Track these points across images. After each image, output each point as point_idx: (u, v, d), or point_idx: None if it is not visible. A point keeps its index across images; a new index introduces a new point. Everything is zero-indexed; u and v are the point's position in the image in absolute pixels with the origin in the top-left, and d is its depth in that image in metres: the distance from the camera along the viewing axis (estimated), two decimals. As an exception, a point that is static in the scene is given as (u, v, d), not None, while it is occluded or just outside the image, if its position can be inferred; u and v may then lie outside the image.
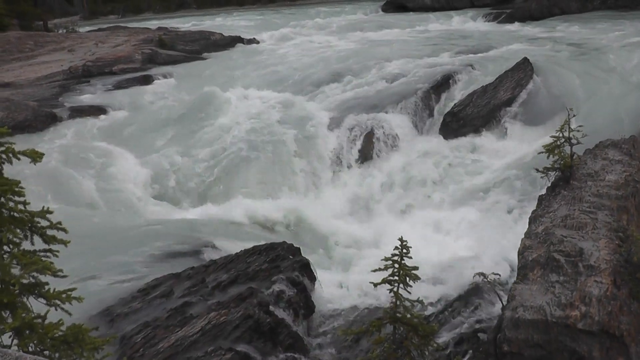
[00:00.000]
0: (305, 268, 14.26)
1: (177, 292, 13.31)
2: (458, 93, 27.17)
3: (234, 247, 16.13)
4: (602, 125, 21.95)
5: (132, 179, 22.77)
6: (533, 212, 12.49)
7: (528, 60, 28.15)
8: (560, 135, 12.88)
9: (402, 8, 63.61)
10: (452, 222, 18.08)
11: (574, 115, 13.08)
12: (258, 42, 47.40)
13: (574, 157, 13.29)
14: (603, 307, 9.48)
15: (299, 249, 14.93)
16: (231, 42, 45.94)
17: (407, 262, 9.64)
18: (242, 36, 47.92)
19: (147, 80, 34.42)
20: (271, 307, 12.46)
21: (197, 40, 45.39)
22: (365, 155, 24.06)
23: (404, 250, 9.58)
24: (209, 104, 29.04)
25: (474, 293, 13.66)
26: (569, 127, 12.84)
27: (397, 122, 25.06)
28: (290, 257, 14.37)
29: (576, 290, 9.81)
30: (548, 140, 13.42)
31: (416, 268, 9.70)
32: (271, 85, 31.62)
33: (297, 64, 35.80)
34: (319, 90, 30.04)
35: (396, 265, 9.61)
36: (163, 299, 13.17)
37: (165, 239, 17.40)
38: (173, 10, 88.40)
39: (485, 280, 11.16)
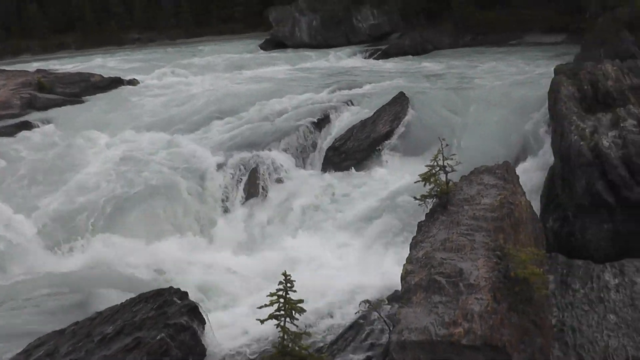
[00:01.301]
0: (194, 312, 14.00)
1: (62, 350, 12.72)
2: (339, 128, 27.96)
3: (120, 296, 15.65)
4: (477, 152, 23.07)
5: (11, 230, 21.65)
6: (413, 238, 12.88)
7: (404, 94, 29.38)
8: (435, 164, 13.45)
9: (280, 46, 64.46)
10: (338, 253, 18.37)
11: (447, 145, 13.69)
12: (139, 83, 46.47)
13: (450, 184, 13.85)
14: (485, 322, 9.90)
15: (186, 293, 14.66)
16: (111, 83, 44.75)
17: (292, 295, 9.72)
18: (122, 77, 46.82)
19: (25, 126, 33.06)
20: (160, 356, 12.16)
21: (76, 82, 43.91)
22: (251, 193, 24.14)
23: (289, 284, 9.67)
24: (88, 148, 28.36)
25: (363, 320, 13.87)
26: (443, 156, 13.43)
27: (281, 158, 25.41)
28: (178, 301, 14.08)
29: (458, 308, 10.18)
30: (425, 169, 13.94)
31: (302, 301, 9.80)
32: (153, 127, 31.12)
33: (179, 104, 35.47)
34: (203, 130, 29.95)
35: (281, 300, 9.66)
36: (47, 358, 12.59)
37: (49, 293, 16.68)
38: (52, 50, 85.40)
39: (371, 307, 11.41)
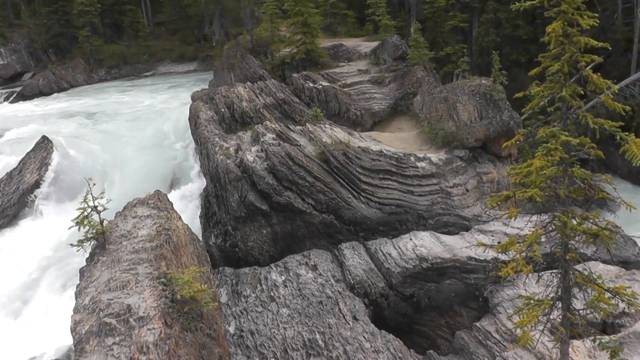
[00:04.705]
0: None
1: None
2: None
3: None
4: (131, 186, 23.18)
5: None
6: (77, 286, 12.52)
7: (47, 138, 28.06)
8: (86, 205, 13.25)
9: None
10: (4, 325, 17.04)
11: (94, 184, 13.48)
12: None
13: (105, 223, 13.75)
14: (161, 350, 10.21)
15: None
16: None
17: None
18: None
19: None
20: None
21: None
22: None
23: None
24: None
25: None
26: (92, 197, 13.29)
27: None
28: None
29: (133, 344, 10.30)
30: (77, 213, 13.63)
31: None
32: None
33: None
34: None
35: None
36: None
37: None
38: None
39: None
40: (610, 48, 11.00)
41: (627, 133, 10.23)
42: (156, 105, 34.96)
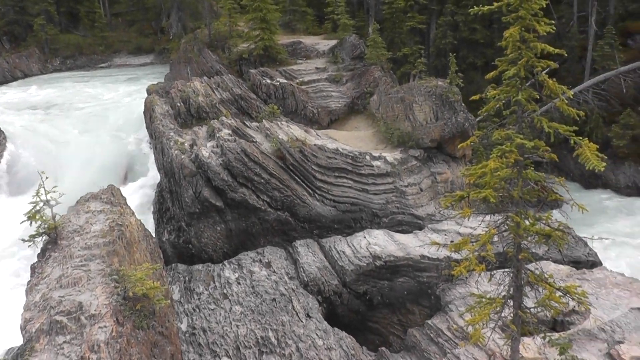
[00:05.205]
0: None
1: None
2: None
3: None
4: (85, 180, 22.75)
5: None
6: (28, 282, 12.22)
7: (0, 129, 27.46)
8: (38, 199, 12.93)
9: None
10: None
11: (47, 178, 13.15)
12: None
13: (57, 218, 13.45)
14: (112, 348, 10.04)
15: None
16: None
17: None
18: None
19: None
20: None
21: None
22: None
23: None
24: None
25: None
26: (45, 190, 12.96)
27: None
28: None
29: (84, 342, 10.12)
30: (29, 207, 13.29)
31: None
32: None
33: None
34: None
35: None
36: None
37: None
38: None
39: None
40: (566, 54, 11.23)
41: (581, 137, 10.46)
42: (112, 99, 34.32)
